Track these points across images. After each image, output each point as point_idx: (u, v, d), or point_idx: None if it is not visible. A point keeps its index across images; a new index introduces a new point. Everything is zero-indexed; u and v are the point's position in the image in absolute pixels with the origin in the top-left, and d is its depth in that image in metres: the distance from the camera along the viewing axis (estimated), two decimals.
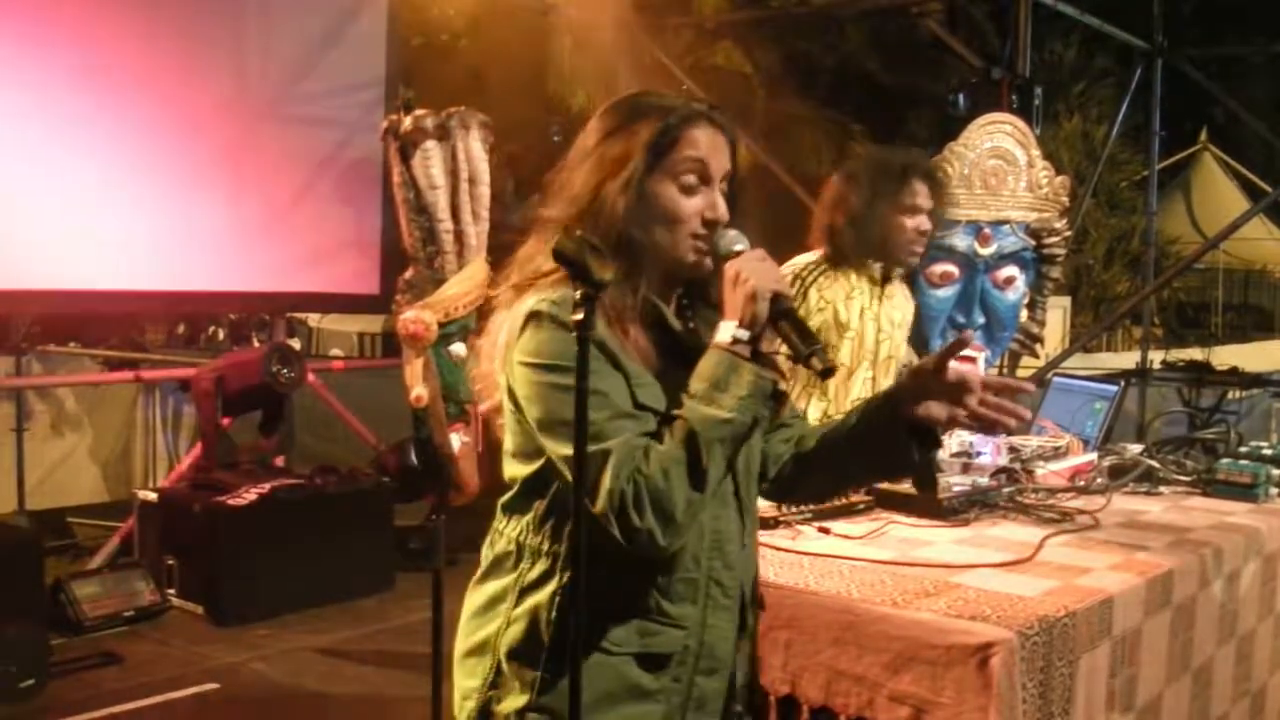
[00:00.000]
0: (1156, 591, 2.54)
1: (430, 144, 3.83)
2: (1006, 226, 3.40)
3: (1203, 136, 20.78)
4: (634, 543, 1.88)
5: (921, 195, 3.66)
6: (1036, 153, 3.44)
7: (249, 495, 6.33)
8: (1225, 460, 3.42)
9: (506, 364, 1.98)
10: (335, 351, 12.23)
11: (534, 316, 1.94)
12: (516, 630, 1.99)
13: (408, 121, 3.87)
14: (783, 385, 2.00)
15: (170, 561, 6.42)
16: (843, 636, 2.29)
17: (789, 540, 2.71)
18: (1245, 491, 3.31)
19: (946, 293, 3.42)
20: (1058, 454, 3.47)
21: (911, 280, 3.48)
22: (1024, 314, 3.59)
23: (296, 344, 9.01)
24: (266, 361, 6.80)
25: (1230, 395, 8.55)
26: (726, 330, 1.97)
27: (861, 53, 15.56)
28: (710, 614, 2.03)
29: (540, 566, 1.99)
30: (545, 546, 1.99)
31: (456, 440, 3.86)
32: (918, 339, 3.55)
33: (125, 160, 6.33)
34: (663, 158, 2.01)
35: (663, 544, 1.88)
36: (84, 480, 7.88)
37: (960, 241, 3.36)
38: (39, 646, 5.26)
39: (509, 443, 2.06)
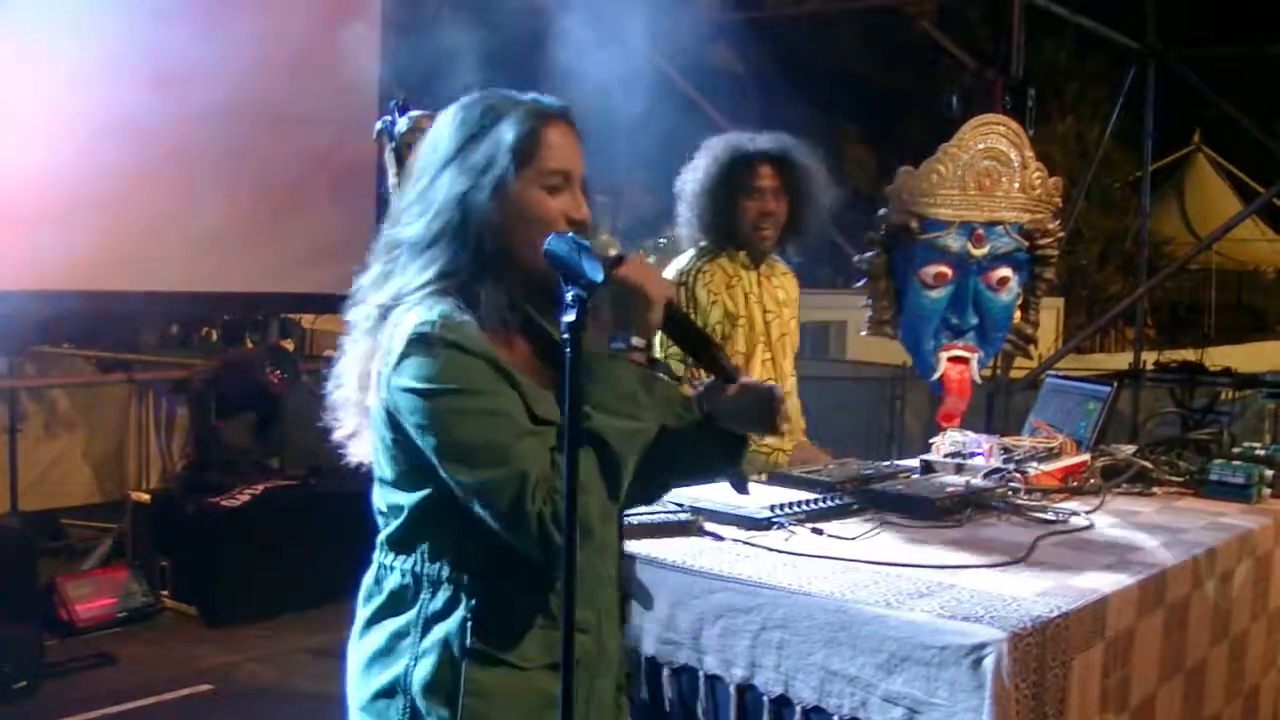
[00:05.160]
0: (1150, 592, 2.55)
1: None
2: (1000, 227, 3.39)
3: (1196, 138, 20.81)
4: (554, 561, 1.86)
5: (764, 177, 3.80)
6: (1030, 154, 3.44)
7: (242, 496, 6.33)
8: (1218, 461, 3.43)
9: (381, 390, 1.91)
10: (329, 352, 12.21)
11: (421, 339, 1.88)
12: (428, 665, 1.94)
13: (402, 123, 3.86)
14: (685, 390, 2.02)
15: (164, 563, 6.41)
16: (836, 637, 2.29)
17: (782, 541, 2.71)
18: (1238, 492, 3.31)
19: (940, 293, 3.42)
20: (1051, 455, 3.47)
21: (906, 281, 3.49)
22: (1017, 315, 3.59)
23: (290, 345, 9.00)
24: (260, 363, 6.80)
25: (1223, 396, 8.56)
26: (621, 339, 1.94)
27: (855, 54, 15.60)
28: (603, 614, 2.05)
29: (443, 595, 1.95)
30: (446, 574, 1.95)
31: None
32: (911, 339, 3.55)
33: (119, 161, 6.32)
34: (527, 160, 1.97)
35: (580, 558, 1.85)
36: (77, 481, 7.86)
37: (954, 242, 3.36)
38: (32, 647, 5.26)
39: (384, 472, 2.00)
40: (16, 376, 7.26)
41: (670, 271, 3.86)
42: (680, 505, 2.89)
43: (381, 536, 2.04)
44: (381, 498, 2.03)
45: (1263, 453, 3.53)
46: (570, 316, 1.78)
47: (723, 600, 2.46)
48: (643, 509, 2.83)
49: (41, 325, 6.91)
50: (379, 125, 3.97)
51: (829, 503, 2.99)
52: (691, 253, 3.91)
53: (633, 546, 2.65)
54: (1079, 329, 15.05)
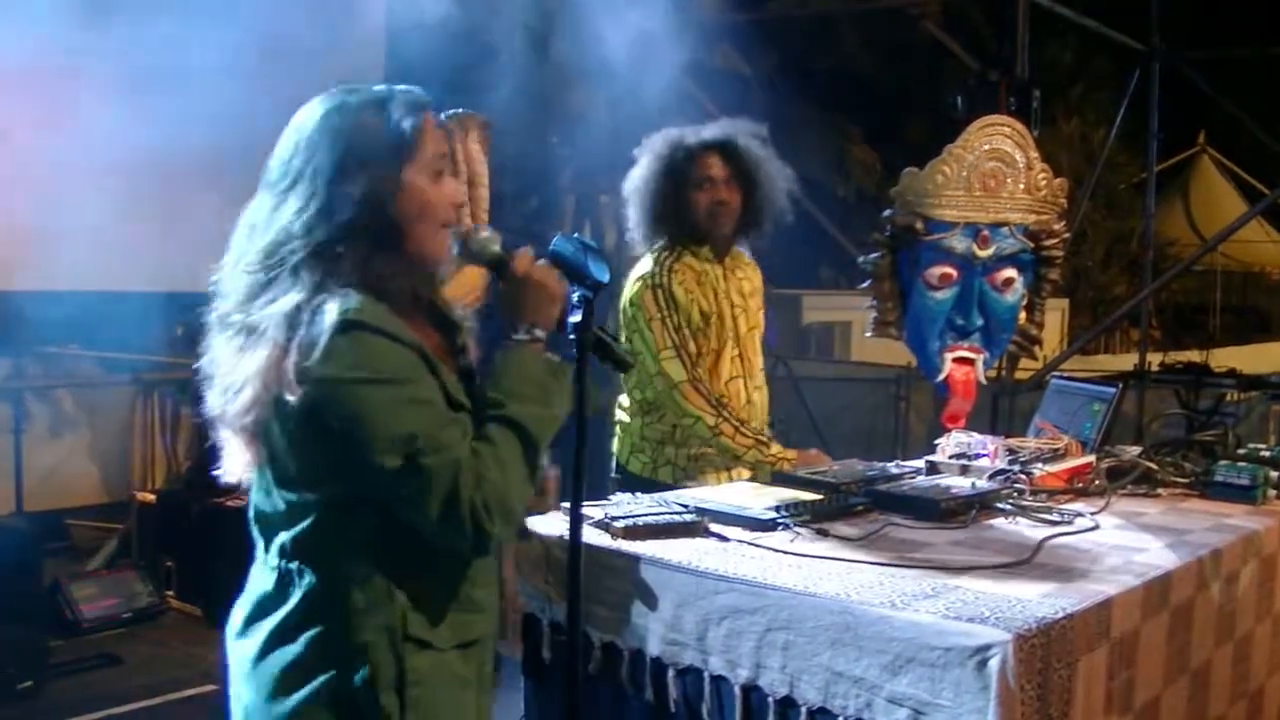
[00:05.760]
0: (1154, 593, 2.54)
1: None
2: (1005, 229, 3.39)
3: (1201, 139, 20.80)
4: (481, 548, 1.94)
5: (712, 167, 3.82)
6: (1035, 155, 3.43)
7: (247, 497, 6.33)
8: (1223, 462, 3.42)
9: (301, 383, 1.86)
10: None
11: (348, 327, 1.87)
12: (369, 659, 1.94)
13: None
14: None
15: (168, 563, 6.43)
16: (841, 638, 2.29)
17: (787, 542, 2.71)
18: (1243, 493, 3.31)
19: (945, 295, 3.41)
20: (1056, 456, 3.47)
21: (911, 282, 3.48)
22: (1022, 316, 3.59)
23: None
24: None
25: (1228, 397, 8.55)
26: (524, 330, 2.03)
27: (859, 55, 15.59)
28: (493, 593, 2.11)
29: (372, 588, 1.95)
30: (372, 567, 1.95)
31: None
32: (916, 340, 3.55)
33: (124, 161, 6.33)
34: (416, 150, 2.01)
35: (503, 543, 1.95)
36: (82, 482, 7.87)
37: (959, 244, 3.35)
38: (37, 648, 5.27)
39: (287, 470, 1.97)
40: (22, 377, 7.27)
41: (636, 276, 3.84)
42: (685, 506, 2.89)
43: (281, 541, 2.00)
44: (279, 499, 2.01)
45: (1268, 454, 3.52)
46: (577, 317, 1.80)
47: (728, 601, 2.46)
48: (647, 509, 2.84)
49: (46, 326, 6.92)
50: None
51: (834, 504, 2.99)
52: (654, 255, 3.87)
53: (638, 547, 2.65)
54: (1084, 330, 15.07)
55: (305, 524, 1.98)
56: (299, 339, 1.87)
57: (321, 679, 1.95)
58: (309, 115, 2.06)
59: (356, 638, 1.94)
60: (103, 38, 6.26)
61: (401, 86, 2.07)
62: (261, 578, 2.06)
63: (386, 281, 1.98)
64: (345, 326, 1.87)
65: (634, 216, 3.92)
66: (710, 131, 3.87)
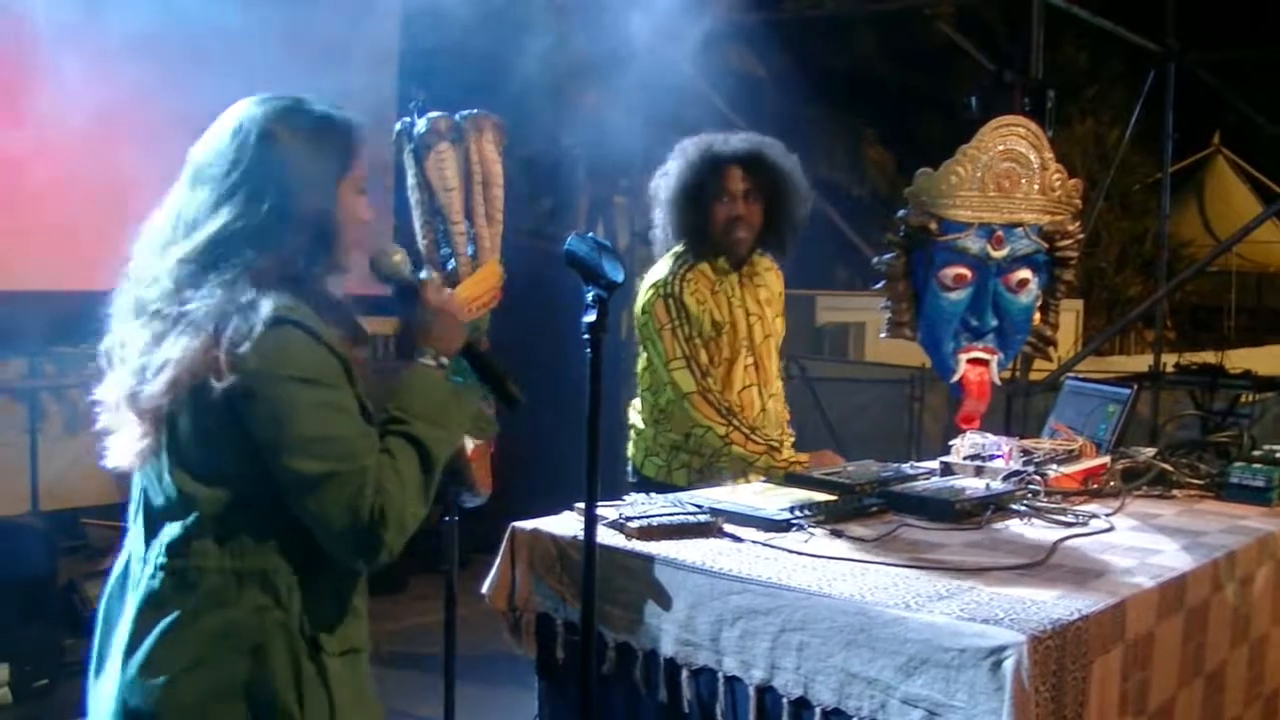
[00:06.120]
0: (1169, 595, 2.54)
1: (444, 146, 3.83)
2: (1020, 229, 3.38)
3: (1215, 140, 20.73)
4: (372, 557, 1.95)
5: (735, 180, 3.77)
6: (1049, 155, 3.42)
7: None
8: (1238, 464, 3.42)
9: (231, 372, 1.88)
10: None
11: (281, 323, 1.92)
12: (270, 657, 1.94)
13: (421, 124, 3.87)
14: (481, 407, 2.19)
15: None
16: (856, 639, 2.29)
17: (802, 543, 2.71)
18: (1258, 495, 3.30)
19: (959, 295, 3.41)
20: (1071, 457, 3.47)
21: (925, 283, 3.47)
22: (1037, 317, 3.58)
23: None
24: None
25: (1243, 399, 8.52)
26: (430, 356, 2.11)
27: (873, 55, 15.56)
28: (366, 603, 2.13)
29: (277, 585, 1.97)
30: (275, 564, 1.97)
31: (470, 442, 3.85)
32: (930, 341, 3.54)
33: (138, 162, 6.34)
34: (353, 166, 2.11)
35: (394, 557, 1.96)
36: (97, 481, 7.86)
37: (973, 244, 3.35)
38: (52, 647, 5.28)
39: (188, 456, 1.97)
40: (36, 377, 7.29)
41: (650, 282, 3.82)
42: (699, 506, 2.89)
43: (170, 537, 1.99)
44: (171, 487, 1.99)
45: None
46: (591, 316, 1.80)
47: (742, 602, 2.46)
48: (661, 509, 2.84)
49: (61, 325, 6.94)
50: (398, 127, 3.97)
51: (848, 505, 2.99)
52: (669, 261, 3.86)
53: (652, 548, 2.65)
54: (1098, 331, 15.02)
55: (193, 518, 1.97)
56: (231, 329, 1.90)
57: (218, 677, 1.95)
58: (256, 114, 2.09)
59: (253, 634, 1.95)
60: (113, 44, 6.27)
61: (330, 106, 2.15)
62: (143, 577, 2.02)
63: (317, 284, 2.07)
64: (278, 322, 1.91)
65: (659, 218, 3.92)
66: (737, 143, 3.84)
